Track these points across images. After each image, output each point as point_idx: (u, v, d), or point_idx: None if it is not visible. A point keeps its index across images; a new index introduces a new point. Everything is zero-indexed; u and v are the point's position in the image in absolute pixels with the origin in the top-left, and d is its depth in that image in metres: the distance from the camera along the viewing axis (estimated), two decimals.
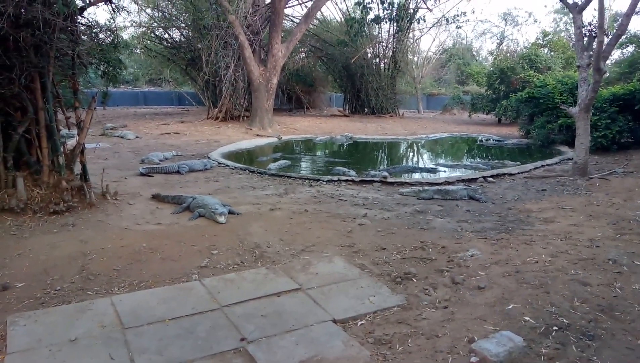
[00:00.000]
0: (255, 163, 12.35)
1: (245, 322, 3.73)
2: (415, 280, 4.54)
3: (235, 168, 10.60)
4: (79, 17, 6.73)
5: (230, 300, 4.10)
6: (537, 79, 17.59)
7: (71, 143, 7.86)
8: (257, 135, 17.55)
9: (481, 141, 17.05)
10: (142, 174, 9.42)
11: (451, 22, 24.97)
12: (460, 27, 31.37)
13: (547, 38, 28.59)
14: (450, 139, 18.69)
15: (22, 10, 5.66)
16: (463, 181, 9.20)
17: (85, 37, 6.97)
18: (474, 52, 44.13)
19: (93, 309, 3.89)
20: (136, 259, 4.99)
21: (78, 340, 3.44)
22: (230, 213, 6.59)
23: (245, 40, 18.29)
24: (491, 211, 7.08)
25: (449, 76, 40.63)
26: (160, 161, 11.27)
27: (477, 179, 9.43)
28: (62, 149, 6.79)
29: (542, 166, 10.96)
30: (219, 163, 11.07)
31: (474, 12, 40.24)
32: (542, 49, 26.04)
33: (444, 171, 11.25)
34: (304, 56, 27.11)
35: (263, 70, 18.95)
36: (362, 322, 3.80)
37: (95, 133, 15.89)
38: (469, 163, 12.51)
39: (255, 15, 20.29)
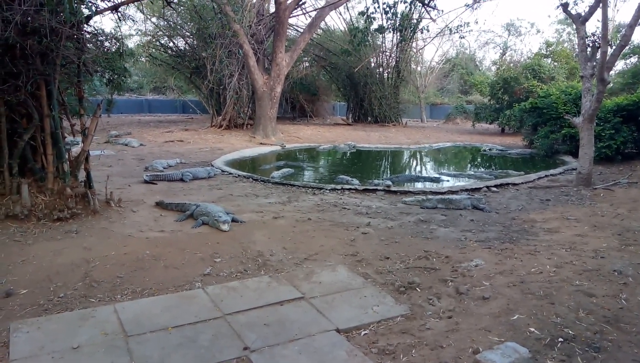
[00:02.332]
0: (259, 171, 12.38)
1: (248, 331, 3.71)
2: (419, 290, 4.52)
3: (238, 175, 10.61)
4: (85, 25, 6.79)
5: (233, 308, 4.08)
6: (541, 89, 17.62)
7: (76, 150, 7.89)
8: (261, 143, 17.59)
9: (484, 150, 17.05)
10: (145, 182, 9.44)
11: (454, 33, 24.96)
12: (463, 37, 31.59)
13: (550, 48, 28.65)
14: (454, 148, 18.69)
15: (29, 18, 5.71)
16: (467, 190, 9.19)
17: (91, 45, 7.03)
18: (477, 62, 44.21)
19: (96, 316, 3.88)
20: (139, 266, 4.98)
21: (81, 347, 3.43)
22: (233, 221, 6.58)
23: (249, 49, 18.40)
24: (495, 220, 7.06)
25: (452, 85, 40.70)
26: (164, 168, 11.30)
27: (480, 188, 9.41)
28: (66, 157, 6.82)
29: (546, 176, 10.93)
30: (223, 171, 11.08)
31: (477, 22, 40.31)
32: (545, 59, 26.09)
33: (448, 181, 11.23)
34: (307, 64, 27.22)
35: (267, 79, 19.03)
36: (366, 332, 3.78)
37: (100, 141, 15.96)
38: (472, 173, 12.48)
39: (259, 25, 20.42)
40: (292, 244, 5.84)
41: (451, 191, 8.98)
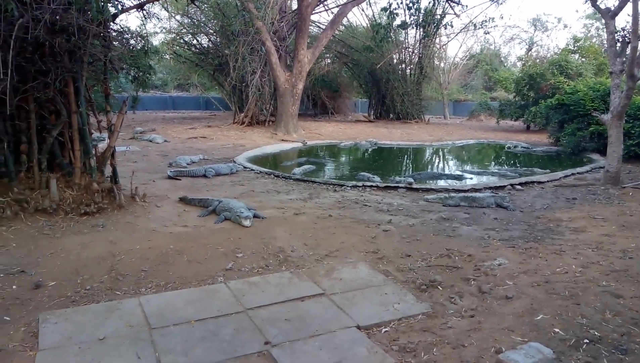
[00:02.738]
0: (280, 167, 12.42)
1: (270, 326, 3.74)
2: (440, 288, 4.49)
3: (260, 172, 10.68)
4: (112, 23, 6.92)
5: (255, 303, 4.12)
6: (568, 85, 17.23)
7: (102, 146, 8.06)
8: (282, 140, 17.65)
9: (509, 147, 16.78)
10: (169, 177, 9.58)
11: (479, 28, 24.67)
12: (488, 33, 30.90)
13: (578, 44, 27.95)
14: (477, 145, 18.43)
15: (58, 17, 5.84)
16: (490, 188, 9.05)
17: (117, 43, 7.16)
18: (502, 58, 43.44)
19: (121, 309, 3.97)
20: (163, 260, 5.07)
21: (106, 338, 3.52)
22: (255, 216, 6.63)
23: (271, 46, 18.47)
24: (519, 219, 6.95)
25: (476, 82, 40.06)
26: (188, 164, 11.45)
27: (504, 186, 9.26)
28: (93, 152, 6.97)
29: (573, 174, 10.69)
30: (245, 167, 11.17)
31: (502, 17, 39.56)
32: (572, 55, 25.48)
33: (471, 178, 11.09)
34: (329, 61, 27.19)
35: (289, 75, 19.08)
36: (387, 329, 3.77)
37: (125, 137, 16.23)
38: (496, 170, 12.30)
39: (282, 22, 20.47)
40: (313, 240, 5.85)
41: (474, 189, 8.87)
